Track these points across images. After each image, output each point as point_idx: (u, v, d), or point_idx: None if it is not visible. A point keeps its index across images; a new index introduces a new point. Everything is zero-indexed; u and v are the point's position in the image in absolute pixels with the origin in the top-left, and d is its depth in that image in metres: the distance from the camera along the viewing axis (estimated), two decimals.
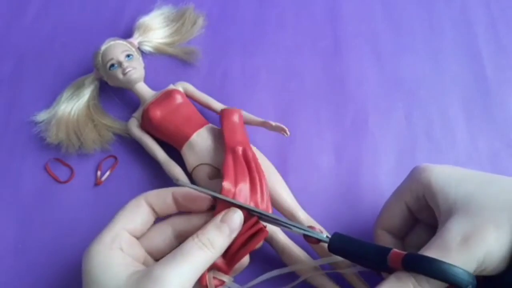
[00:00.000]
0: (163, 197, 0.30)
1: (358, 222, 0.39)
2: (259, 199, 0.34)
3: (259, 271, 0.36)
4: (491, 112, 0.44)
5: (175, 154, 0.39)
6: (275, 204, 0.37)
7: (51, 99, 0.44)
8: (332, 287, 0.34)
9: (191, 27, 0.48)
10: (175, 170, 0.38)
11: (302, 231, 0.31)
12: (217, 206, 0.31)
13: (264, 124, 0.39)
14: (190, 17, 0.48)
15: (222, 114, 0.39)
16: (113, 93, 0.45)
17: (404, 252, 0.27)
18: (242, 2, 0.51)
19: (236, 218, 0.29)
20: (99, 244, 0.28)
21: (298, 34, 0.49)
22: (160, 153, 0.40)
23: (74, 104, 0.43)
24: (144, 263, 0.29)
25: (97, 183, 0.41)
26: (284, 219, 0.32)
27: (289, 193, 0.38)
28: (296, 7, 0.51)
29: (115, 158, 0.42)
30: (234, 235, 0.29)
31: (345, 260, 0.33)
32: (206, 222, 0.29)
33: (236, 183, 0.33)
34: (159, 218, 0.32)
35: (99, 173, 0.41)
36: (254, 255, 0.37)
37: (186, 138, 0.38)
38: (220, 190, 0.33)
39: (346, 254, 0.30)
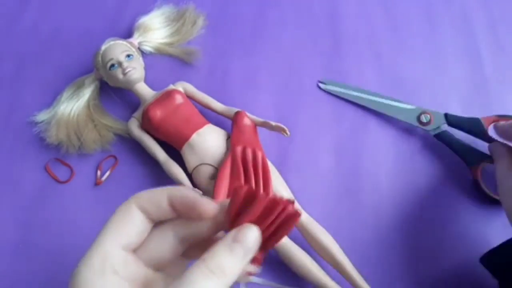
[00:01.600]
0: (157, 201, 0.24)
1: (358, 222, 0.39)
2: None
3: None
4: (491, 112, 0.44)
5: (175, 154, 0.39)
6: None
7: (51, 99, 0.44)
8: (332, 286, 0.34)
9: (191, 27, 0.48)
10: (175, 170, 0.38)
11: None
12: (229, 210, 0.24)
13: (264, 124, 0.39)
14: (190, 17, 0.48)
15: (234, 116, 0.40)
16: (113, 93, 0.44)
17: None
18: (242, 2, 0.51)
19: (251, 235, 0.23)
20: (88, 269, 0.22)
21: (298, 34, 0.49)
22: (160, 153, 0.40)
23: (74, 104, 0.43)
24: (145, 281, 0.24)
25: (97, 183, 0.41)
26: None
27: (289, 193, 0.38)
28: (296, 7, 0.51)
29: (115, 158, 0.42)
30: (249, 257, 0.23)
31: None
32: (215, 226, 0.24)
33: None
34: None
35: (99, 173, 0.41)
36: None
37: (186, 138, 0.38)
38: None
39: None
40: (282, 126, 0.38)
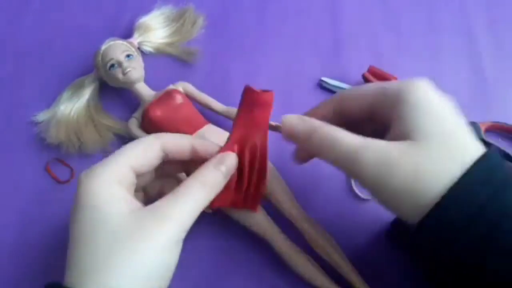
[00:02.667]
0: (179, 140, 0.30)
1: (359, 222, 0.39)
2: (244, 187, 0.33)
3: (258, 271, 0.36)
4: (491, 112, 0.44)
5: None
6: (274, 203, 0.37)
7: (51, 99, 0.44)
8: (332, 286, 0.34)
9: (191, 27, 0.48)
10: None
11: None
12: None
13: None
14: (190, 17, 0.48)
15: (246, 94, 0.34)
16: (113, 93, 0.45)
17: None
18: (242, 2, 0.51)
19: (232, 159, 0.30)
20: (102, 175, 0.26)
21: (298, 34, 0.49)
22: None
23: (74, 104, 0.43)
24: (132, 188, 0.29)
25: None
26: None
27: (290, 194, 0.38)
28: (296, 7, 0.51)
29: None
30: (230, 175, 0.30)
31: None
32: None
33: None
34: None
35: None
36: (255, 253, 0.37)
37: None
38: None
39: None
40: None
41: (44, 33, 0.49)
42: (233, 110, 0.41)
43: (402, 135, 0.26)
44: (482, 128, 0.41)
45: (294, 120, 0.30)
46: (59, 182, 0.41)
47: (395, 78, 0.43)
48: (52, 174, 0.41)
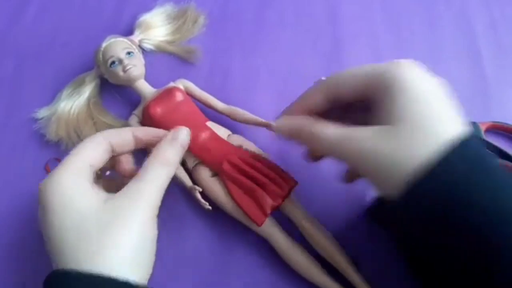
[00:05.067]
0: (122, 135, 0.32)
1: (359, 221, 0.39)
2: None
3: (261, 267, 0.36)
4: (491, 112, 0.44)
5: None
6: None
7: (52, 97, 0.44)
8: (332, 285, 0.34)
9: (192, 25, 0.48)
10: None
11: None
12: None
13: (265, 125, 0.39)
14: (191, 16, 0.48)
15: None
16: (114, 91, 0.45)
17: None
18: (243, 2, 0.51)
19: (185, 133, 0.32)
20: (66, 172, 0.28)
21: (298, 34, 0.49)
22: None
23: (74, 102, 0.43)
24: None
25: None
26: None
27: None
28: (296, 7, 0.51)
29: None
30: (184, 150, 0.32)
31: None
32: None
33: None
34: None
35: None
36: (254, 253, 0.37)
37: None
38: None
39: None
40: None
41: (44, 32, 0.49)
42: (234, 109, 0.41)
43: (384, 119, 0.27)
44: (482, 128, 0.41)
45: (285, 122, 0.33)
46: None
47: None
48: None
